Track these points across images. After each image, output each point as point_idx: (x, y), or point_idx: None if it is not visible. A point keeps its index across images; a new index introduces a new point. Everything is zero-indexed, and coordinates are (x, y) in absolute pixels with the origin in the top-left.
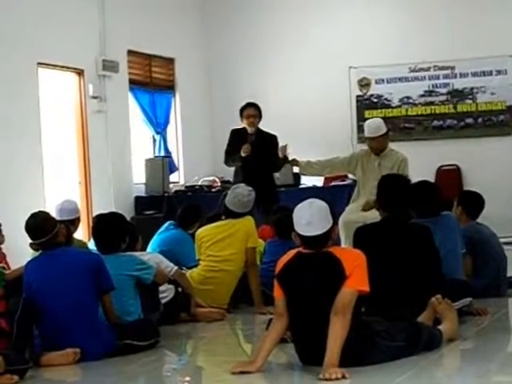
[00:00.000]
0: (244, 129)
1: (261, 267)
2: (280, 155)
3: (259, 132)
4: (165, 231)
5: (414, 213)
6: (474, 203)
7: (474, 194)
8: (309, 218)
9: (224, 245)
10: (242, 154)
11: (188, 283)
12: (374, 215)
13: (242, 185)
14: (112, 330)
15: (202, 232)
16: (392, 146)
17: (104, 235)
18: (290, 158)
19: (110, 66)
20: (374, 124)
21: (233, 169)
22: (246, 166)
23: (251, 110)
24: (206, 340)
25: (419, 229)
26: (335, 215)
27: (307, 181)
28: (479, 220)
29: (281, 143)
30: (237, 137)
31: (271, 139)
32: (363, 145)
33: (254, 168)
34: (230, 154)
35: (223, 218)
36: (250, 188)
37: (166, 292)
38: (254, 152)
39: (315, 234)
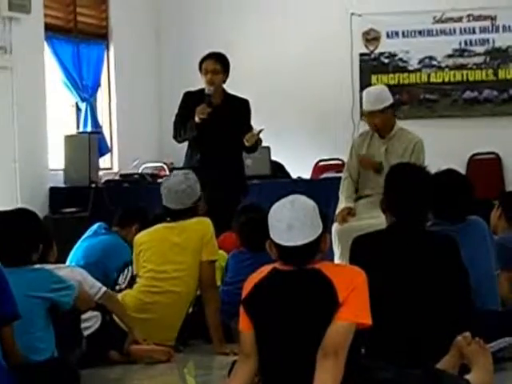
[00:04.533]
0: (202, 91)
1: (222, 289)
2: (247, 143)
3: (226, 96)
4: (92, 236)
5: (432, 214)
6: None
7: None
8: (290, 221)
9: (170, 256)
10: (197, 119)
11: (121, 310)
12: (379, 221)
13: (178, 172)
14: (13, 373)
15: (142, 237)
16: (408, 124)
17: (6, 242)
18: (341, 208)
19: (18, 5)
20: (375, 93)
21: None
22: (204, 142)
23: (211, 63)
24: None
25: (442, 240)
26: (327, 219)
27: (291, 171)
28: None
29: (255, 127)
30: (191, 101)
31: (242, 105)
32: None
33: (215, 144)
34: (181, 123)
35: (168, 219)
36: (187, 171)
37: (90, 321)
38: (217, 121)
39: (298, 243)
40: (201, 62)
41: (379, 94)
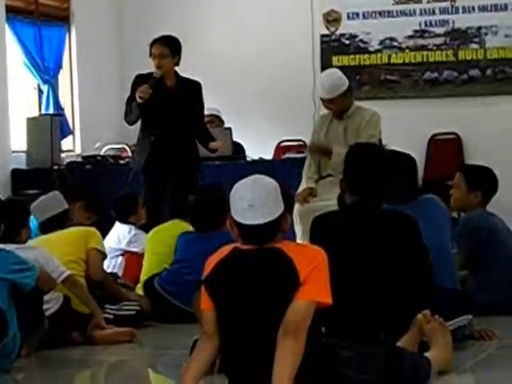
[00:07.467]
0: (152, 73)
1: (168, 269)
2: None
3: (178, 79)
4: None
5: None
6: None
7: (482, 169)
8: (251, 200)
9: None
10: (138, 99)
11: (85, 294)
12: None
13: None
14: None
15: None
16: (368, 105)
17: None
18: (302, 189)
19: None
20: (330, 80)
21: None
22: (157, 125)
23: (157, 47)
24: (108, 367)
25: (400, 218)
26: (290, 198)
27: (252, 152)
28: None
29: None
30: (141, 84)
31: (193, 87)
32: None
33: (168, 127)
34: (128, 105)
35: None
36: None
37: (51, 302)
38: (170, 105)
39: (259, 222)
40: (150, 47)
41: (335, 81)
